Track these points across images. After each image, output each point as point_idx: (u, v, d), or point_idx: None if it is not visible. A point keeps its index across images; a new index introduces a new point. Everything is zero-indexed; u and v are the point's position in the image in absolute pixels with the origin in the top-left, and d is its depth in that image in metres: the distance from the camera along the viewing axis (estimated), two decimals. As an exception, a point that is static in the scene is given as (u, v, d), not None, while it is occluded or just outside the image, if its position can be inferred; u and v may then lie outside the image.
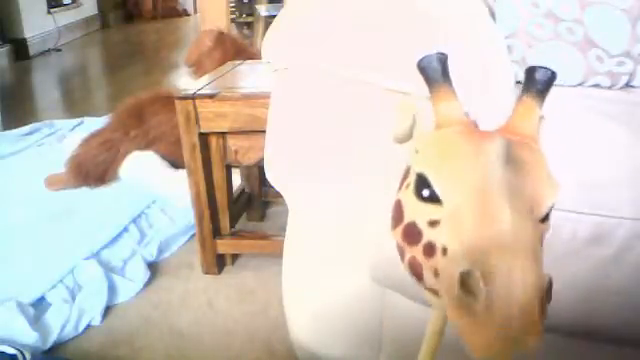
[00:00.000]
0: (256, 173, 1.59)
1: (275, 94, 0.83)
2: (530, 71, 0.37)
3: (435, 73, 0.36)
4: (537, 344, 0.30)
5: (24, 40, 4.01)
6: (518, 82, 1.00)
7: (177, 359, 1.11)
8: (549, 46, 0.97)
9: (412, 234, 0.35)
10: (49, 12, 4.35)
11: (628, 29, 0.96)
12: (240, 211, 1.54)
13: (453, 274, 0.31)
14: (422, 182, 0.35)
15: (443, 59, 0.37)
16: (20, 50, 3.98)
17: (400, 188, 0.38)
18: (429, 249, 0.34)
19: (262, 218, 1.64)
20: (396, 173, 0.73)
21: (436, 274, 0.34)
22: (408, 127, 0.38)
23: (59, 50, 4.28)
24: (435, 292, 0.35)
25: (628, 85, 1.00)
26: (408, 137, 0.38)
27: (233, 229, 1.41)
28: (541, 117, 0.37)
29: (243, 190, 1.59)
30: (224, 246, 1.37)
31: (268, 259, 1.38)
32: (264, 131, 0.84)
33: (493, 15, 1.00)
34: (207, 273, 1.38)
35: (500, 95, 0.73)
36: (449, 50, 0.74)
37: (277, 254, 0.95)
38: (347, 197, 0.76)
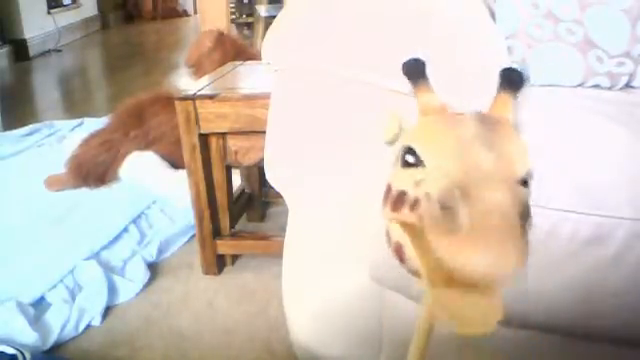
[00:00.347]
0: (256, 173, 1.59)
1: (275, 94, 0.83)
2: (504, 72, 0.41)
3: (416, 73, 0.42)
4: (523, 256, 0.31)
5: (24, 41, 4.01)
6: (518, 83, 1.00)
7: (177, 359, 1.11)
8: (549, 47, 0.97)
9: (399, 200, 0.38)
10: (49, 13, 4.36)
11: (628, 29, 0.96)
12: (240, 211, 1.54)
13: (434, 201, 0.33)
14: (407, 152, 0.38)
15: (421, 62, 0.43)
16: (20, 51, 3.98)
17: (390, 174, 0.41)
18: (415, 203, 0.36)
19: (262, 218, 1.64)
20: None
21: (421, 220, 0.35)
22: (395, 134, 0.42)
23: (59, 51, 4.28)
24: (418, 274, 0.37)
25: (628, 86, 1.00)
26: (395, 140, 0.42)
27: (233, 229, 1.42)
28: (514, 120, 0.41)
29: (243, 190, 1.60)
30: (224, 246, 1.37)
31: (268, 259, 1.38)
32: (264, 131, 0.84)
33: (493, 15, 1.01)
34: (207, 273, 1.38)
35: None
36: (449, 50, 0.74)
37: (277, 254, 0.95)
38: (347, 197, 0.76)
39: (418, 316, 0.45)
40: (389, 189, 0.40)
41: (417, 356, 0.45)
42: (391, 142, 0.42)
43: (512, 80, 0.40)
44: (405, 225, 0.38)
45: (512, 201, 0.32)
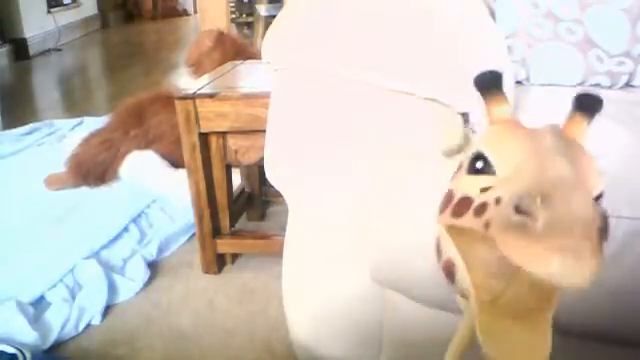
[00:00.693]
0: (256, 173, 1.59)
1: (275, 94, 0.83)
2: (580, 97, 0.39)
3: (491, 85, 0.40)
4: (598, 266, 0.30)
5: (24, 40, 4.01)
6: (518, 82, 1.00)
7: (177, 358, 1.11)
8: (549, 46, 0.97)
9: (463, 205, 0.36)
10: (49, 12, 4.35)
11: (628, 29, 0.96)
12: (240, 211, 1.54)
13: (507, 206, 0.31)
14: (477, 158, 0.36)
15: (498, 74, 0.40)
16: (20, 50, 3.98)
17: (452, 180, 0.40)
18: (480, 208, 0.34)
19: (262, 218, 1.64)
20: (396, 173, 0.73)
21: (487, 226, 0.33)
22: (457, 145, 0.40)
23: (59, 50, 4.28)
24: (466, 295, 0.35)
25: (628, 85, 1.00)
26: (457, 152, 0.40)
27: (233, 229, 1.42)
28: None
29: (243, 190, 1.60)
30: (224, 246, 1.37)
31: (268, 259, 1.38)
32: (264, 131, 0.84)
33: (493, 15, 1.01)
34: (207, 273, 1.38)
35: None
36: (449, 50, 0.74)
37: (277, 254, 0.95)
38: (347, 197, 0.76)
39: (459, 325, 0.44)
40: (450, 195, 0.38)
41: None
42: (449, 153, 0.41)
43: (587, 105, 0.39)
44: (462, 234, 0.36)
45: (594, 213, 0.30)
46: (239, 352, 1.11)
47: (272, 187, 0.89)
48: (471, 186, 0.36)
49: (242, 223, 1.57)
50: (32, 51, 4.05)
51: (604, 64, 0.97)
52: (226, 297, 1.29)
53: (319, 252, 0.84)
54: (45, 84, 3.56)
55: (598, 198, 0.35)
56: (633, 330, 0.65)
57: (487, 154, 0.35)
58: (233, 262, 1.42)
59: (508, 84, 0.74)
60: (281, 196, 0.86)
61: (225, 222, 1.38)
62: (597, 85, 0.98)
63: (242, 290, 1.31)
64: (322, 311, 0.86)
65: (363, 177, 0.74)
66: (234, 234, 1.40)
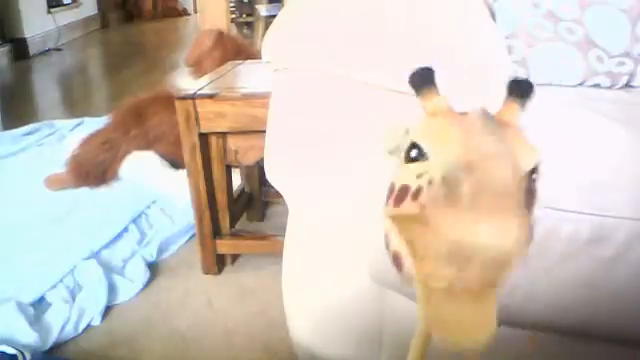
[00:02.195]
0: (256, 173, 1.59)
1: (275, 94, 0.83)
2: (512, 83, 0.41)
3: (424, 81, 0.41)
4: (525, 233, 0.31)
5: (24, 40, 4.01)
6: (518, 82, 1.00)
7: (177, 358, 1.11)
8: (549, 46, 0.97)
9: (402, 194, 0.38)
10: (49, 12, 4.36)
11: (628, 29, 0.96)
12: (240, 211, 1.54)
13: (437, 179, 0.33)
14: (411, 147, 0.38)
15: (429, 71, 0.41)
16: (20, 50, 3.98)
17: (392, 176, 0.41)
18: (416, 193, 0.36)
19: (262, 218, 1.64)
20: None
21: (422, 208, 0.34)
22: (398, 144, 0.42)
23: (59, 50, 4.28)
24: (410, 282, 0.37)
25: (628, 85, 1.00)
26: (399, 151, 0.41)
27: (233, 229, 1.41)
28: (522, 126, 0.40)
29: (243, 190, 1.59)
30: (224, 246, 1.37)
31: (268, 259, 1.38)
32: (264, 131, 0.84)
33: (493, 15, 1.00)
34: (207, 273, 1.38)
35: (500, 95, 0.73)
36: (449, 50, 0.74)
37: (277, 254, 0.95)
38: (347, 197, 0.76)
39: (415, 333, 0.45)
40: (392, 188, 0.40)
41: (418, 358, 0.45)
42: (394, 151, 0.42)
43: (520, 91, 0.40)
44: (404, 221, 0.37)
45: (517, 181, 0.31)
46: (239, 352, 1.11)
47: (272, 187, 0.89)
48: (408, 175, 0.37)
49: (242, 223, 1.57)
50: (32, 51, 4.05)
51: (604, 64, 0.96)
52: (226, 297, 1.29)
53: (319, 252, 0.84)
54: (45, 84, 3.56)
55: (533, 171, 0.36)
56: (636, 331, 0.65)
57: (420, 143, 0.37)
58: (233, 262, 1.42)
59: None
60: (281, 196, 0.86)
61: (225, 223, 1.38)
62: (597, 85, 0.98)
63: (242, 290, 1.31)
64: (322, 311, 0.86)
65: (363, 177, 0.74)
66: (234, 235, 1.40)
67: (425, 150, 0.36)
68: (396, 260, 0.39)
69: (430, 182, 0.34)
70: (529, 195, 0.32)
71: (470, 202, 0.31)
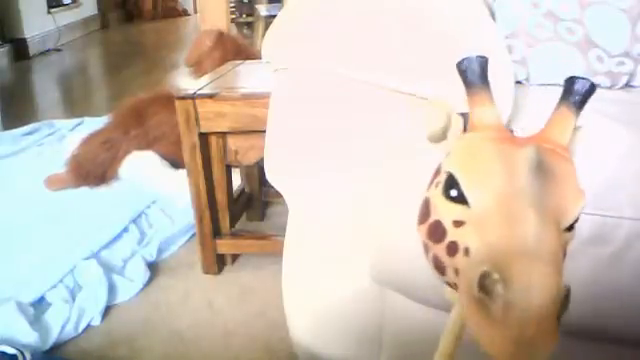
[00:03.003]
0: (256, 173, 1.59)
1: (275, 94, 0.82)
2: (569, 81, 0.37)
3: (473, 76, 0.37)
4: (551, 350, 0.31)
5: (24, 40, 4.01)
6: (518, 82, 1.00)
7: (177, 359, 1.11)
8: (549, 46, 0.97)
9: (437, 232, 0.36)
10: (49, 12, 4.35)
11: (628, 29, 0.96)
12: (240, 211, 1.54)
13: (473, 274, 0.31)
14: (451, 182, 0.35)
15: (483, 63, 0.37)
16: (20, 50, 3.98)
17: (429, 187, 0.39)
18: (452, 248, 0.35)
19: (262, 218, 1.64)
20: (396, 173, 0.73)
21: (457, 273, 0.34)
22: (441, 128, 0.38)
23: (59, 50, 4.28)
24: (455, 286, 0.36)
25: (628, 85, 1.00)
26: (442, 138, 0.38)
27: (233, 229, 1.41)
28: (577, 127, 0.38)
29: (243, 190, 1.59)
30: (224, 246, 1.37)
31: (268, 259, 1.38)
32: (264, 131, 0.84)
33: (493, 15, 1.00)
34: (207, 273, 1.38)
35: (499, 95, 0.73)
36: (448, 50, 0.74)
37: (277, 254, 0.95)
38: (347, 197, 0.76)
39: (448, 321, 0.44)
40: (427, 209, 0.38)
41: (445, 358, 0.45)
42: (435, 139, 0.38)
43: (577, 92, 0.37)
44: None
45: (554, 293, 0.30)
46: (239, 352, 1.11)
47: (272, 187, 0.89)
48: (445, 212, 0.36)
49: (242, 223, 1.57)
50: (32, 51, 4.05)
51: (604, 64, 0.96)
52: (226, 297, 1.29)
53: (319, 252, 0.84)
54: (45, 84, 3.56)
55: (574, 224, 0.35)
56: (635, 330, 0.65)
57: (460, 182, 0.35)
58: (233, 262, 1.42)
59: (508, 84, 0.74)
60: (281, 196, 0.86)
61: (225, 222, 1.38)
62: (597, 85, 0.98)
63: (242, 290, 1.31)
64: (322, 311, 0.86)
65: (363, 177, 0.74)
66: (234, 234, 1.40)
67: (465, 195, 0.34)
68: (437, 264, 0.37)
69: (466, 252, 0.33)
70: (564, 302, 0.31)
71: (502, 322, 0.30)
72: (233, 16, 3.85)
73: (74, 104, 3.09)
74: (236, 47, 1.93)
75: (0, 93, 3.01)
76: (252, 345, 1.13)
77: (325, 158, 0.77)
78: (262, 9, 3.51)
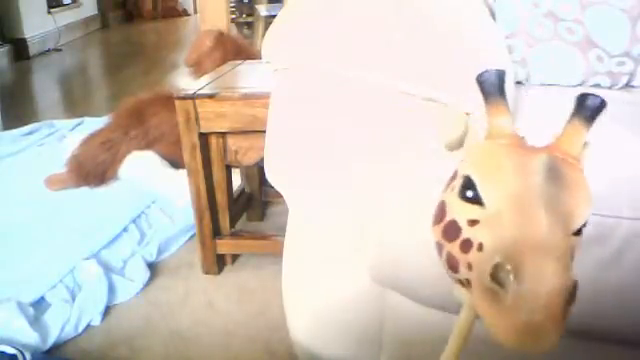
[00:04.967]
0: (256, 173, 1.59)
1: (275, 94, 0.82)
2: (582, 97, 0.39)
3: (492, 88, 0.39)
4: (557, 338, 0.33)
5: (24, 40, 4.01)
6: (518, 82, 1.00)
7: (177, 359, 1.11)
8: (549, 46, 0.97)
9: (452, 231, 0.38)
10: (49, 12, 4.35)
11: (628, 29, 0.96)
12: (240, 211, 1.54)
13: (486, 266, 0.33)
14: (467, 184, 0.37)
15: (502, 75, 0.40)
16: (20, 50, 3.98)
17: (445, 190, 0.41)
18: (466, 245, 0.37)
19: (262, 218, 1.64)
20: (396, 173, 0.73)
21: (470, 268, 0.36)
22: (459, 137, 0.41)
23: (59, 50, 4.28)
24: (467, 283, 0.37)
25: (628, 85, 1.00)
26: (459, 145, 0.41)
27: (233, 229, 1.41)
28: (587, 143, 0.40)
29: (243, 190, 1.59)
30: (224, 246, 1.37)
31: (268, 259, 1.38)
32: (264, 131, 0.84)
33: (493, 15, 1.00)
34: (207, 273, 1.38)
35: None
36: (448, 50, 0.74)
37: (277, 254, 0.95)
38: (347, 197, 0.76)
39: (457, 322, 0.45)
40: (442, 211, 0.40)
41: (453, 357, 0.46)
42: (452, 147, 0.42)
43: (590, 107, 0.39)
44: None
45: (562, 287, 0.32)
46: (239, 353, 1.11)
47: (272, 187, 0.89)
48: (461, 212, 0.38)
49: (242, 223, 1.58)
50: (32, 51, 4.05)
51: (604, 64, 0.96)
52: (226, 297, 1.29)
53: (319, 252, 0.84)
54: (45, 84, 3.56)
55: (581, 228, 0.36)
56: (634, 330, 0.65)
57: (476, 183, 0.37)
58: (233, 262, 1.42)
59: (508, 84, 0.74)
60: (281, 196, 0.86)
61: (225, 222, 1.38)
62: (597, 85, 0.98)
63: (242, 290, 1.31)
64: (322, 311, 0.86)
65: (363, 177, 0.74)
66: (234, 234, 1.40)
67: (481, 195, 0.36)
68: (451, 262, 0.39)
69: (480, 248, 0.35)
70: (572, 291, 0.33)
71: (513, 310, 0.32)
72: (233, 16, 3.85)
73: (74, 104, 3.09)
74: (236, 47, 1.93)
75: (0, 93, 3.01)
76: (252, 345, 1.13)
77: (325, 158, 0.77)
78: (262, 9, 3.51)
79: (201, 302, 1.27)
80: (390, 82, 0.71)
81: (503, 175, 0.36)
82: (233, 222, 1.42)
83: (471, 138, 0.40)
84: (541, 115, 0.75)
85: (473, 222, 0.37)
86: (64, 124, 2.45)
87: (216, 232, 1.36)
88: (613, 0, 0.96)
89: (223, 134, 1.28)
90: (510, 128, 0.39)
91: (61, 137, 2.28)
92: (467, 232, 0.37)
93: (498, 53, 0.88)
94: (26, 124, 2.43)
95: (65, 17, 4.60)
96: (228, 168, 1.35)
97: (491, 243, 0.35)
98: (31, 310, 1.19)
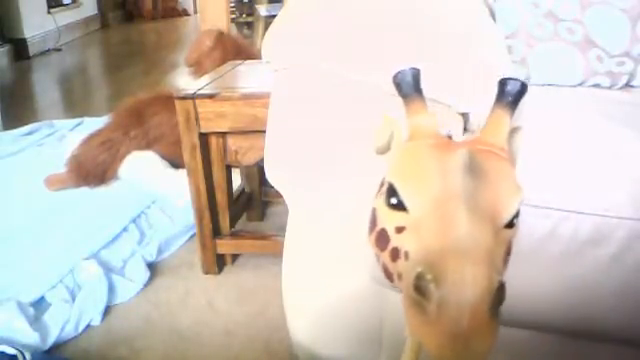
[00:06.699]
0: (256, 173, 1.59)
1: (275, 94, 0.83)
2: (501, 83, 0.39)
3: (408, 87, 0.39)
4: (490, 343, 0.31)
5: (24, 40, 4.01)
6: (518, 82, 1.00)
7: (177, 359, 1.11)
8: (549, 46, 0.97)
9: (382, 240, 0.38)
10: (49, 12, 4.35)
11: (628, 29, 0.96)
12: (240, 211, 1.54)
13: (410, 277, 0.32)
14: (391, 191, 0.37)
15: (416, 74, 0.39)
16: (20, 50, 3.98)
17: (376, 196, 0.41)
18: (395, 254, 0.36)
19: (262, 218, 1.64)
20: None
21: (399, 277, 0.35)
22: (386, 140, 0.40)
23: (59, 50, 4.28)
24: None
25: (628, 85, 1.00)
26: (387, 149, 0.40)
27: (233, 229, 1.41)
28: (517, 128, 0.39)
29: (243, 190, 1.59)
30: (224, 246, 1.37)
31: (268, 259, 1.38)
32: (264, 131, 0.84)
33: (493, 15, 1.01)
34: (207, 273, 1.38)
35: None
36: (448, 50, 0.74)
37: (277, 254, 0.95)
38: (347, 197, 0.76)
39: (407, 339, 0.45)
40: (374, 219, 0.39)
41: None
42: (381, 151, 0.41)
43: (509, 93, 0.38)
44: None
45: (485, 289, 0.31)
46: (239, 353, 1.11)
47: (272, 187, 0.89)
48: (388, 220, 0.37)
49: (242, 223, 1.57)
50: (32, 51, 4.05)
51: (604, 64, 0.96)
52: (226, 297, 1.29)
53: (319, 252, 0.84)
54: (45, 84, 3.56)
55: (514, 218, 0.35)
56: (635, 331, 0.65)
57: (398, 190, 0.36)
58: (233, 262, 1.42)
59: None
60: (281, 196, 0.86)
61: (225, 222, 1.38)
62: (597, 85, 0.98)
63: (242, 290, 1.31)
64: (322, 311, 0.86)
65: (363, 177, 0.74)
66: (234, 234, 1.40)
67: (404, 202, 0.36)
68: (386, 272, 0.39)
69: (406, 256, 0.35)
70: (499, 295, 0.32)
71: (438, 319, 0.31)
72: (233, 16, 3.85)
73: (74, 104, 3.09)
74: (236, 47, 1.93)
75: (0, 93, 3.01)
76: (252, 345, 1.13)
77: (325, 158, 0.77)
78: (262, 9, 3.51)
79: (201, 302, 1.27)
80: (389, 82, 0.71)
81: (424, 178, 0.35)
82: (233, 222, 1.42)
83: (396, 141, 0.40)
84: (541, 115, 0.75)
85: (400, 229, 0.36)
86: (64, 124, 2.45)
87: (216, 232, 1.36)
88: (613, 0, 0.96)
89: (223, 134, 1.28)
90: (430, 126, 0.38)
91: (61, 137, 2.28)
92: (395, 240, 0.36)
93: (498, 53, 0.88)
94: (26, 124, 2.43)
95: (65, 17, 4.60)
96: (228, 168, 1.35)
97: (415, 251, 0.34)
98: (31, 310, 1.19)
